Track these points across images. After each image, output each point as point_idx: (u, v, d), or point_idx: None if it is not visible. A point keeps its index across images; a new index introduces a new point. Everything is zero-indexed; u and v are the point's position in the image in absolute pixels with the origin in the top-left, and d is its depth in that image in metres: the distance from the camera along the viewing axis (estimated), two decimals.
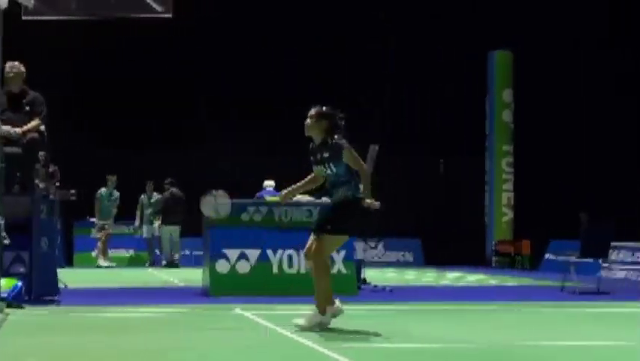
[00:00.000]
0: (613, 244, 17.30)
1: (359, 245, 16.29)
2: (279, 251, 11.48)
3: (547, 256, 20.28)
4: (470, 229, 24.00)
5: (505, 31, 22.68)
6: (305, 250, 7.81)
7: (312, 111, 7.79)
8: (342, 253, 11.63)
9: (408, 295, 12.14)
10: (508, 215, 23.61)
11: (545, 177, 22.97)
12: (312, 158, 7.83)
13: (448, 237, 23.70)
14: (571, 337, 7.43)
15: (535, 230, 21.46)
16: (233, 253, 11.38)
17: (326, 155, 7.63)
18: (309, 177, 8.00)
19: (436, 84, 23.64)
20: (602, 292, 12.65)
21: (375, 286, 13.00)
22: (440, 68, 23.47)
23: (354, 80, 23.27)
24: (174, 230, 20.45)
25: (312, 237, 7.70)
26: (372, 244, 21.83)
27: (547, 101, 22.92)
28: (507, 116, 23.64)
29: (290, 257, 11.48)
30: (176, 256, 20.55)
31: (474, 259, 23.22)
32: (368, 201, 7.67)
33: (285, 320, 7.76)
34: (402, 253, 23.46)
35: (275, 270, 11.45)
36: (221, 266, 11.36)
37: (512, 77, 23.56)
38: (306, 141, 7.81)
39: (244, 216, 11.50)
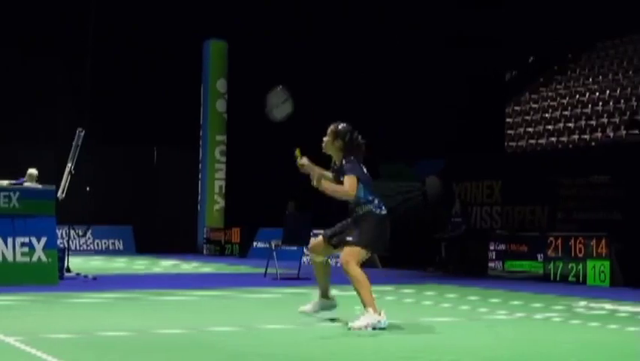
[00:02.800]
0: (314, 232, 18.25)
1: (63, 232, 15.75)
2: None
3: (255, 243, 20.89)
4: (183, 218, 24.12)
5: (220, 20, 22.96)
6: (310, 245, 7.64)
7: (329, 129, 7.48)
8: (44, 240, 11.17)
9: (113, 283, 11.91)
10: (219, 203, 24.00)
11: (256, 166, 23.62)
12: (334, 175, 7.47)
13: (160, 225, 23.67)
14: (251, 320, 7.63)
15: (245, 218, 22.00)
16: None
17: (342, 178, 7.26)
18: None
19: (152, 72, 23.37)
20: (302, 278, 13.28)
21: (78, 274, 12.63)
22: (155, 56, 23.22)
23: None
24: None
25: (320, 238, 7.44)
26: (81, 232, 21.26)
27: (260, 92, 23.47)
28: (221, 105, 23.99)
29: None
30: None
31: (186, 248, 23.39)
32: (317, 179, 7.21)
33: None
34: (112, 240, 22.97)
35: None
36: None
37: (227, 67, 23.92)
38: None
39: None
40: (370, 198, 7.27)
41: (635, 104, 21.11)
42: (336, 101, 21.65)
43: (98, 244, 22.54)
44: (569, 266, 13.26)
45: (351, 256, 7.13)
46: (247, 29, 22.98)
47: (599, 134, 20.80)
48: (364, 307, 7.02)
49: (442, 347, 6.15)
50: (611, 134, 20.42)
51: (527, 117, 24.34)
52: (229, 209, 23.90)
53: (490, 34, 20.76)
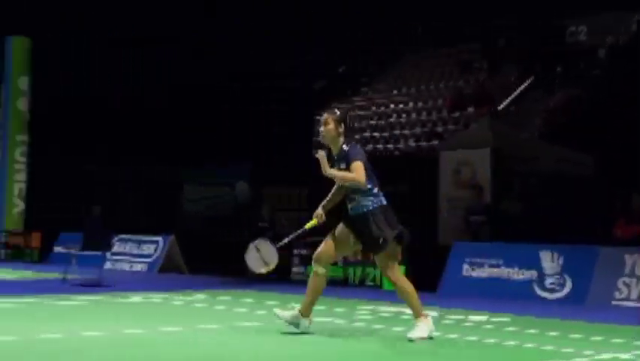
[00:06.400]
0: (119, 236, 17.87)
1: None
2: None
3: (56, 248, 20.14)
4: None
5: (24, 16, 22.07)
6: (315, 254, 7.39)
7: (327, 117, 7.14)
8: None
9: None
10: (19, 206, 22.98)
11: (60, 168, 22.84)
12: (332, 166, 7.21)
13: None
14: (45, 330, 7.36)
15: (47, 222, 21.18)
16: None
17: (343, 166, 7.04)
18: (334, 188, 7.30)
19: None
20: (104, 285, 12.92)
21: None
22: None
23: None
24: None
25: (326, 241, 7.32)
26: None
27: (65, 90, 22.79)
28: (22, 104, 23.00)
29: None
30: None
31: None
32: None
33: None
34: None
35: None
36: None
37: (30, 64, 22.98)
38: None
39: None
40: (370, 186, 7.08)
41: (435, 116, 22.16)
42: (141, 103, 21.31)
43: None
44: (366, 271, 13.71)
45: (384, 260, 7.17)
46: (52, 26, 22.21)
47: (402, 145, 21.66)
48: (415, 317, 7.14)
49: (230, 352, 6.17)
50: (413, 145, 21.32)
51: None
52: (29, 212, 22.92)
53: (302, 41, 21.19)
